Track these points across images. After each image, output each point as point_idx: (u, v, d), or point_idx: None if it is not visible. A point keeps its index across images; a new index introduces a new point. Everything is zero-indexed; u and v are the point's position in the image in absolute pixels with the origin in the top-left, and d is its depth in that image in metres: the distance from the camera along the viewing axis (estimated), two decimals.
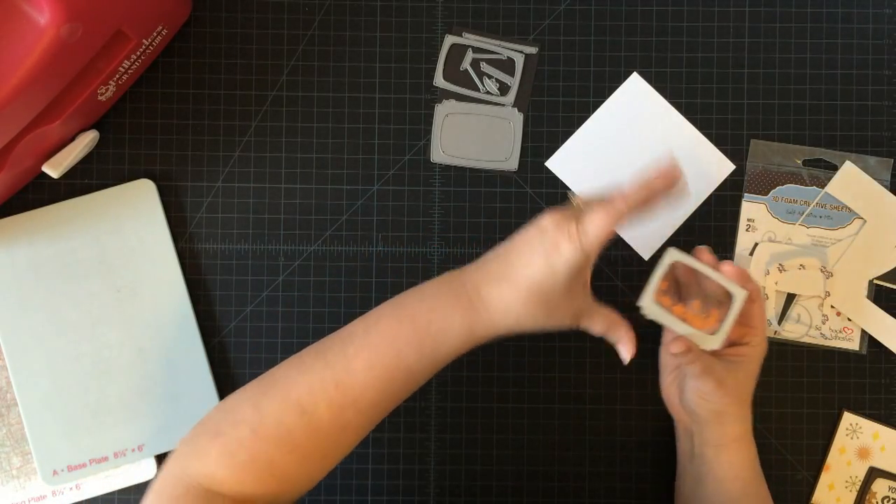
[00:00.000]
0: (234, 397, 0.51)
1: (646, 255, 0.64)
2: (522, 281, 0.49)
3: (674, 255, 0.54)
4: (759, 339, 0.57)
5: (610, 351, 0.65)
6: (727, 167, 0.64)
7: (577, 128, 0.65)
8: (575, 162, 0.64)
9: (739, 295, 0.54)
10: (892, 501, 0.64)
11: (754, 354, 0.57)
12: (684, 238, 0.65)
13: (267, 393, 0.50)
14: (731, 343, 0.57)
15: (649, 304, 0.54)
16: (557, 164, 0.63)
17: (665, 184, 0.49)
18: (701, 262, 0.55)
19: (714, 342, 0.54)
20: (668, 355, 0.61)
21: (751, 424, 0.58)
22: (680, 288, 0.58)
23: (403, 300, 0.52)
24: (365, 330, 0.51)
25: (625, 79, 0.66)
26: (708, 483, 0.57)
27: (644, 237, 0.64)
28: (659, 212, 0.51)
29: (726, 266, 0.54)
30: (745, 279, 0.55)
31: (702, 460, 0.58)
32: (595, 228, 0.48)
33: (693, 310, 0.55)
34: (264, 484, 0.48)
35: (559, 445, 0.65)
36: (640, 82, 0.60)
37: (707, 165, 0.63)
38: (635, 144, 0.64)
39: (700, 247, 0.56)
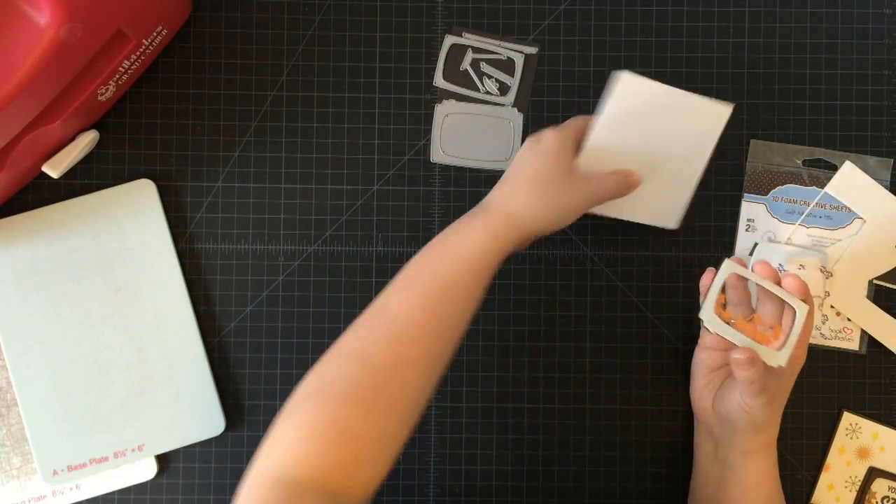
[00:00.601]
0: (307, 375, 0.51)
1: (672, 224, 0.61)
2: (520, 173, 0.56)
3: (732, 267, 0.54)
4: (803, 350, 0.55)
5: (610, 351, 0.65)
6: (724, 111, 0.58)
7: None
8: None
9: (803, 309, 0.52)
10: (891, 501, 0.64)
11: (798, 367, 0.56)
12: (684, 238, 0.65)
13: (328, 358, 0.51)
14: None
15: (710, 316, 0.53)
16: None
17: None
18: (759, 275, 0.54)
19: (780, 358, 0.52)
20: (706, 357, 0.60)
21: (777, 432, 0.57)
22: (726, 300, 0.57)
23: (431, 245, 0.55)
24: (404, 270, 0.53)
25: None
26: (732, 487, 0.57)
27: (663, 206, 0.61)
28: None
29: (788, 279, 0.53)
30: (805, 293, 0.53)
31: (727, 464, 0.57)
32: (569, 122, 0.58)
33: (756, 324, 0.54)
34: (341, 450, 0.47)
35: (559, 445, 0.65)
36: (630, 82, 0.58)
37: (701, 118, 0.59)
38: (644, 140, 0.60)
39: (759, 260, 0.55)
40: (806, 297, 0.53)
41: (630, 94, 0.57)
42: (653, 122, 0.58)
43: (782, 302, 0.54)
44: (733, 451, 0.57)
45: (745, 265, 0.54)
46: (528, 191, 0.55)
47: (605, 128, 0.58)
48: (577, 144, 0.58)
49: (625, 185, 0.58)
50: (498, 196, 0.56)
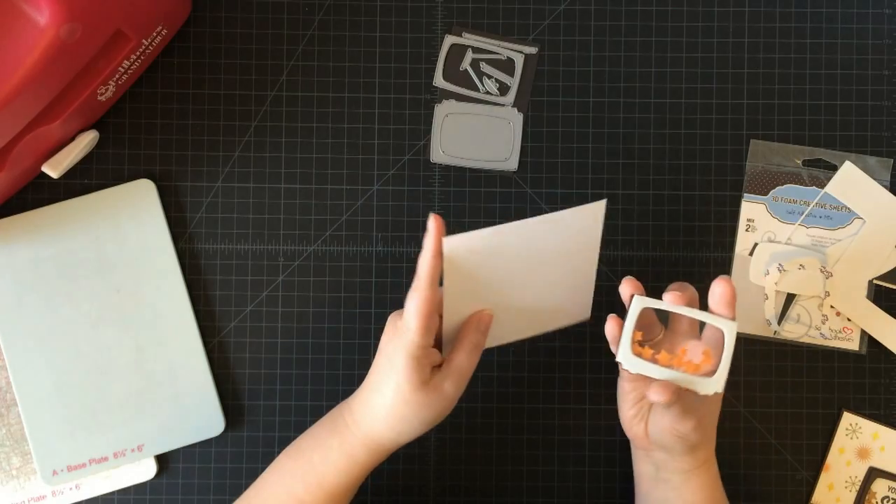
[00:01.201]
0: None
1: (587, 315, 0.58)
2: (376, 385, 0.52)
3: (642, 302, 0.51)
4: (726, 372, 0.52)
5: (610, 351, 0.65)
6: (599, 208, 0.52)
7: (575, 129, 0.65)
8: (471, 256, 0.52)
9: (730, 328, 0.50)
10: (891, 501, 0.64)
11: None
12: (684, 238, 0.65)
13: None
14: None
15: (629, 357, 0.50)
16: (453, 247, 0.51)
17: (436, 241, 0.50)
18: (674, 304, 0.51)
19: (715, 385, 0.49)
20: (630, 389, 0.56)
21: (715, 444, 0.56)
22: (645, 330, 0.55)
23: (303, 435, 0.56)
24: (269, 467, 0.56)
25: (624, 80, 0.66)
26: None
27: (572, 307, 0.57)
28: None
29: (714, 288, 0.51)
30: (730, 303, 0.51)
31: (669, 485, 0.56)
32: (409, 312, 0.50)
33: (681, 356, 0.51)
34: None
35: (559, 446, 0.65)
36: None
37: (579, 226, 0.53)
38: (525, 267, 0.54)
39: (670, 288, 0.52)
40: (729, 310, 0.51)
41: (464, 258, 0.51)
42: (506, 258, 0.52)
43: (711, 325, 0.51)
44: (674, 472, 0.55)
45: (651, 298, 0.51)
46: (388, 415, 0.52)
47: (453, 300, 0.53)
48: (429, 329, 0.51)
49: (479, 336, 0.54)
50: (359, 418, 0.53)
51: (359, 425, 0.53)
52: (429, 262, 0.51)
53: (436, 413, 0.53)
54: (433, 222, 0.51)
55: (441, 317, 0.53)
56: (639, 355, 0.51)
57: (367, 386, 0.54)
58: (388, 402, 0.52)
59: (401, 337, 0.51)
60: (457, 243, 0.51)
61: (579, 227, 0.53)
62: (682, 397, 0.51)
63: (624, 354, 0.51)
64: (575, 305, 0.57)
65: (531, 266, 0.53)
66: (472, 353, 0.54)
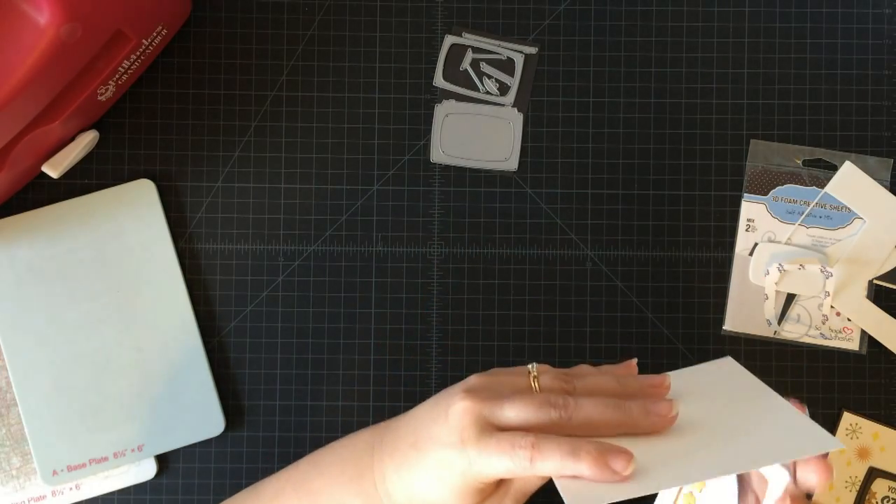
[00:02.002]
0: None
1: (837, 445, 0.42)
2: (423, 470, 0.42)
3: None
4: None
5: (610, 351, 0.65)
6: (832, 443, 0.41)
7: (575, 129, 0.65)
8: None
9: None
10: (892, 501, 0.64)
11: None
12: (684, 238, 0.65)
13: None
14: None
15: None
16: None
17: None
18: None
19: None
20: None
21: None
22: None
23: (311, 468, 0.48)
24: (273, 495, 0.49)
25: (624, 80, 0.66)
26: None
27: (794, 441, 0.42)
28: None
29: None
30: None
31: None
32: (548, 455, 0.39)
33: None
34: None
35: None
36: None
37: (807, 438, 0.42)
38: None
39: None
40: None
41: None
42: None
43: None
44: None
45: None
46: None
47: None
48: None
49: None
50: (398, 489, 0.44)
51: (389, 496, 0.44)
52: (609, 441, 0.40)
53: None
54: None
55: None
56: None
57: (409, 454, 0.43)
58: (432, 495, 0.42)
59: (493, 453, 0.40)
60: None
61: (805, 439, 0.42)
62: None
63: None
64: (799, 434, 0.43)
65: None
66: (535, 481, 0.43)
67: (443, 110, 0.66)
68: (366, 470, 0.45)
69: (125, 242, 0.64)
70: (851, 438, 0.64)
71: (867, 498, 0.64)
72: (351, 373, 0.65)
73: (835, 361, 0.65)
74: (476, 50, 0.66)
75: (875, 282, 0.64)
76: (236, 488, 0.63)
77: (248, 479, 0.64)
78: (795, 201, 0.65)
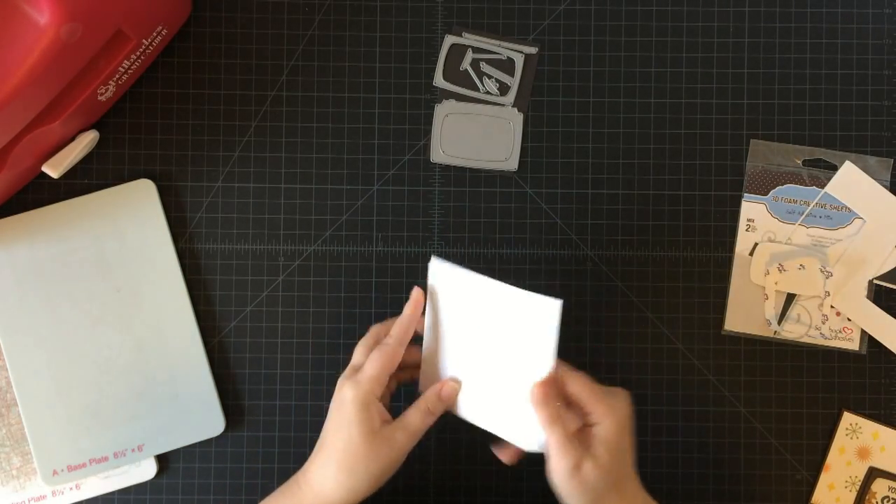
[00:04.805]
0: None
1: (535, 447, 0.54)
2: (329, 445, 0.53)
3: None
4: (601, 413, 0.52)
5: (610, 350, 0.65)
6: (554, 307, 0.52)
7: (575, 129, 0.65)
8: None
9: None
10: (892, 501, 0.64)
11: (604, 432, 0.52)
12: (684, 238, 0.65)
13: None
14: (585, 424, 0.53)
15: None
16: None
17: (414, 309, 0.56)
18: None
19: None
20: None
21: (642, 499, 0.54)
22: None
23: (262, 501, 0.56)
24: None
25: (624, 80, 0.66)
26: None
27: (522, 425, 0.54)
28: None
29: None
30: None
31: None
32: (372, 361, 0.54)
33: None
34: None
35: None
36: (441, 269, 0.55)
37: (532, 315, 0.53)
38: (462, 332, 0.56)
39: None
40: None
41: (443, 285, 0.55)
42: (478, 317, 0.55)
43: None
44: None
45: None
46: (337, 469, 0.52)
47: (430, 329, 0.56)
48: (384, 385, 0.54)
49: (437, 402, 0.55)
50: (311, 476, 0.54)
51: (311, 485, 0.53)
52: (402, 324, 0.55)
53: (384, 466, 0.53)
54: (415, 294, 0.56)
55: (396, 379, 0.57)
56: None
57: (318, 446, 0.55)
58: (339, 456, 0.52)
59: (354, 387, 0.53)
60: (442, 267, 0.55)
61: (534, 321, 0.53)
62: (556, 437, 0.51)
63: None
64: (525, 428, 0.54)
65: (491, 342, 0.55)
66: (426, 416, 0.54)
67: (443, 110, 0.66)
68: (293, 483, 0.55)
69: (125, 242, 0.64)
70: (851, 438, 0.64)
71: (867, 498, 0.64)
72: None
73: (835, 361, 0.65)
74: (476, 50, 0.66)
75: (875, 282, 0.64)
76: (236, 488, 0.64)
77: (249, 480, 0.64)
78: (795, 201, 0.65)
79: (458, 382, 0.56)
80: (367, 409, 0.53)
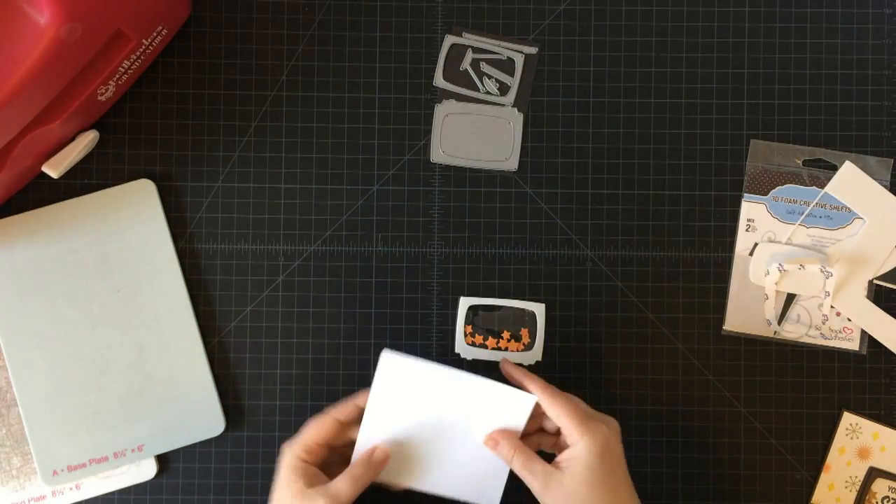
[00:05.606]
0: None
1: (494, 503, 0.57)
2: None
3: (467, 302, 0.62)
4: (578, 434, 0.53)
5: (610, 350, 0.65)
6: (529, 402, 0.55)
7: (575, 129, 0.65)
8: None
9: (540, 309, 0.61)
10: (892, 501, 0.64)
11: (579, 452, 0.53)
12: (684, 238, 0.65)
13: None
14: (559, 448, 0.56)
15: (464, 348, 0.62)
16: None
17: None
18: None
19: (535, 355, 0.60)
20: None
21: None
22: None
23: None
24: None
25: (624, 80, 0.66)
26: None
27: (482, 484, 0.57)
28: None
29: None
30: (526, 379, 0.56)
31: None
32: (306, 427, 0.56)
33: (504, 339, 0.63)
34: None
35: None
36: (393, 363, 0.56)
37: (507, 410, 0.56)
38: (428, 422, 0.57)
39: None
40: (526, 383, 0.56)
41: (395, 378, 0.56)
42: (435, 408, 0.56)
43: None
44: None
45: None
46: None
47: (373, 411, 0.56)
48: (316, 454, 0.56)
49: (366, 469, 0.55)
50: None
51: None
52: (346, 404, 0.57)
53: None
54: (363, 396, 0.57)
55: (334, 447, 0.57)
56: (471, 344, 0.63)
57: None
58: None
59: (286, 451, 0.55)
60: (394, 360, 0.55)
61: (507, 411, 0.56)
62: (518, 451, 0.55)
63: (459, 346, 0.63)
64: (485, 487, 0.57)
65: (450, 422, 0.56)
66: (354, 483, 0.55)
67: (443, 110, 0.66)
68: None
69: (125, 242, 0.64)
70: (851, 438, 0.64)
71: (867, 498, 0.64)
72: (351, 373, 0.65)
73: (835, 361, 0.65)
74: (476, 50, 0.66)
75: (875, 282, 0.64)
76: (236, 488, 0.64)
77: (249, 480, 0.64)
78: (795, 201, 0.65)
79: (388, 449, 0.57)
80: (294, 472, 0.54)
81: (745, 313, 0.65)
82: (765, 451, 0.64)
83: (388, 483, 0.58)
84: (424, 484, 0.58)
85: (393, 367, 0.56)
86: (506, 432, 0.56)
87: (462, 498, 0.58)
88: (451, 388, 0.56)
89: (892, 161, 0.65)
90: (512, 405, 0.55)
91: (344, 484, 0.54)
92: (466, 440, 0.57)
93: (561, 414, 0.54)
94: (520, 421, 0.56)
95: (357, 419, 0.57)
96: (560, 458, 0.55)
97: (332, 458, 0.57)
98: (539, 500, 0.54)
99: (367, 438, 0.57)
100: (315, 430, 0.56)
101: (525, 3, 0.66)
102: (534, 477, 0.54)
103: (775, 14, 0.66)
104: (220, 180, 0.65)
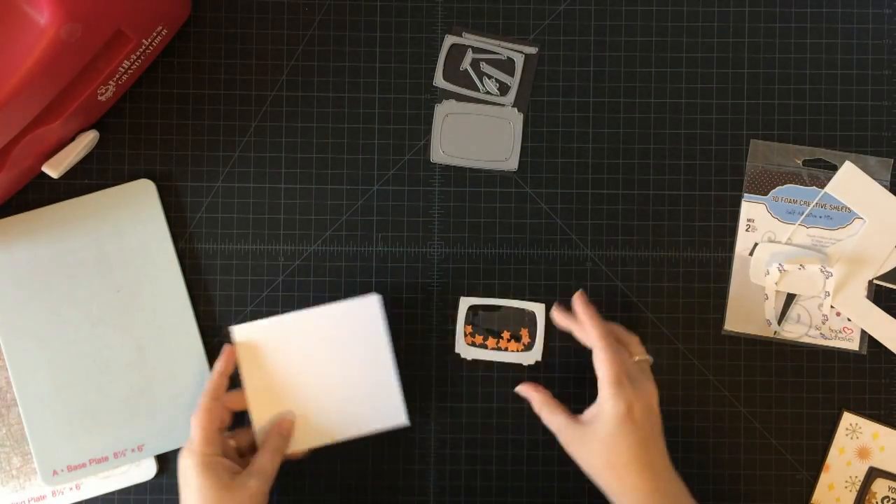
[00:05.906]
0: None
1: (403, 420, 0.60)
2: None
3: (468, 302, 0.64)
4: (605, 395, 0.55)
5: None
6: (372, 303, 0.59)
7: (575, 129, 0.65)
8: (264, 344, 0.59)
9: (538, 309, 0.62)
10: (891, 501, 0.64)
11: (600, 415, 0.55)
12: (684, 238, 0.65)
13: None
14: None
15: (464, 348, 0.64)
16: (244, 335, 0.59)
17: (225, 364, 0.58)
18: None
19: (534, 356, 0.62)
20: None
21: (662, 496, 0.54)
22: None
23: None
24: None
25: (624, 80, 0.66)
26: None
27: (384, 408, 0.59)
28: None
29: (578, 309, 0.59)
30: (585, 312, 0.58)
31: None
32: (192, 426, 0.56)
33: (504, 339, 0.64)
34: None
35: (559, 445, 0.64)
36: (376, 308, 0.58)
37: (358, 320, 0.59)
38: (329, 363, 0.59)
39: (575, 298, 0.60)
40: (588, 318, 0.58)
41: (253, 342, 0.58)
42: (303, 351, 0.58)
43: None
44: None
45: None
46: None
47: (252, 385, 0.58)
48: (216, 443, 0.56)
49: (281, 440, 0.58)
50: None
51: None
52: (212, 380, 0.58)
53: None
54: (226, 348, 0.59)
55: (249, 422, 0.59)
56: (471, 344, 0.64)
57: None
58: None
59: (188, 455, 0.55)
60: (242, 329, 0.58)
61: (359, 322, 0.59)
62: (553, 414, 0.58)
63: (460, 346, 0.64)
64: (385, 407, 0.59)
65: (324, 360, 0.58)
66: (275, 455, 0.57)
67: (443, 110, 0.66)
68: None
69: (125, 242, 0.64)
70: (851, 438, 0.64)
71: (867, 498, 0.64)
72: None
73: (835, 361, 0.65)
74: (476, 50, 0.66)
75: (875, 282, 0.64)
76: None
77: None
78: (795, 201, 0.65)
79: (292, 415, 0.59)
80: (210, 469, 0.54)
81: (745, 313, 0.65)
82: (765, 451, 0.64)
83: (295, 452, 0.59)
84: (332, 435, 0.59)
85: (244, 336, 0.58)
86: (531, 385, 0.60)
87: (371, 429, 0.59)
88: (303, 328, 0.58)
89: (892, 161, 0.65)
90: (361, 315, 0.58)
91: (266, 459, 0.56)
92: (345, 371, 0.59)
93: (601, 368, 0.56)
94: (378, 325, 0.58)
95: (227, 387, 0.58)
96: (586, 412, 0.57)
97: (226, 447, 0.58)
98: (609, 421, 0.55)
99: (259, 413, 0.58)
100: (205, 421, 0.56)
101: (525, 3, 0.66)
102: (557, 428, 0.57)
103: (775, 14, 0.66)
104: (220, 180, 0.65)
